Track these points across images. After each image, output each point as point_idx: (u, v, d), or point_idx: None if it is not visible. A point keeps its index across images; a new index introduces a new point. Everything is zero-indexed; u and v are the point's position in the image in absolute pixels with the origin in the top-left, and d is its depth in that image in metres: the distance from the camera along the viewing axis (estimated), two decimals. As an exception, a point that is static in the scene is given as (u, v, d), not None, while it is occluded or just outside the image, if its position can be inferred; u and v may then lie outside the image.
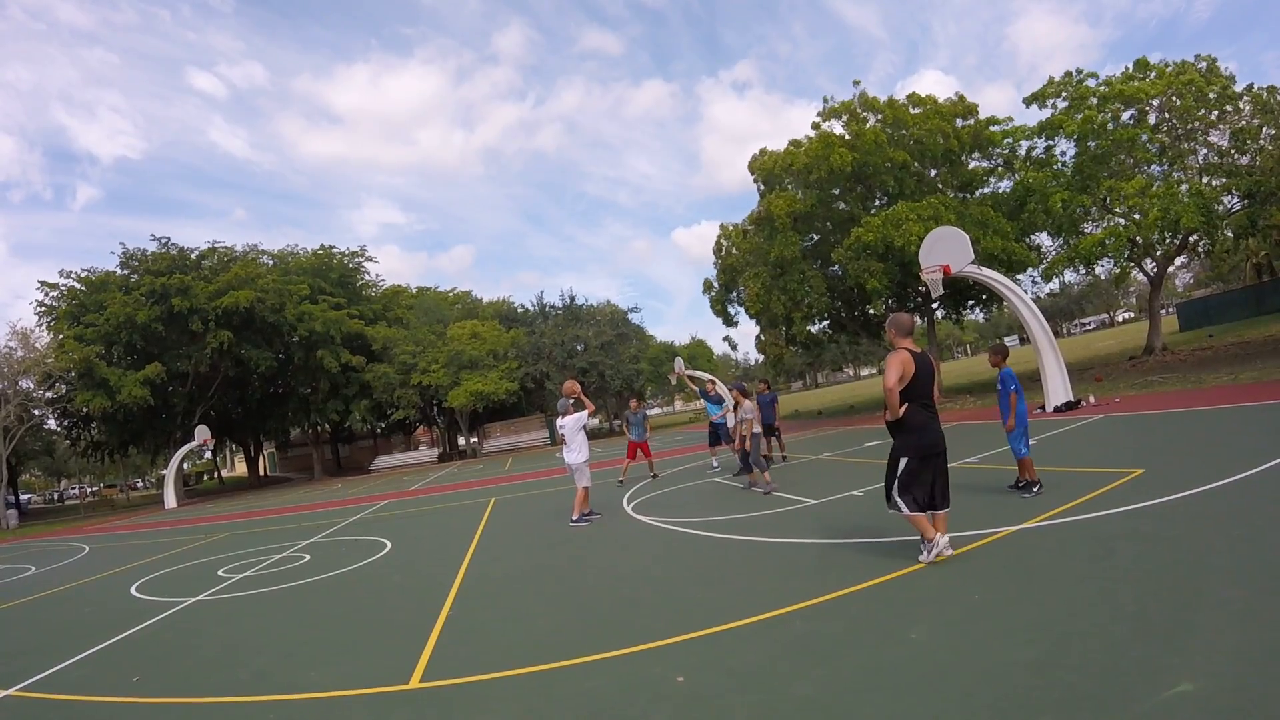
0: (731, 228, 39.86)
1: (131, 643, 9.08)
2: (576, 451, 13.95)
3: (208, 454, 66.25)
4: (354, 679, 6.41)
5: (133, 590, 13.23)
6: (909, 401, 7.26)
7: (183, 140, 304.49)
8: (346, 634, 8.25)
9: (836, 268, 35.05)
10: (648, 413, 18.72)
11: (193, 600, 11.33)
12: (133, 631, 9.63)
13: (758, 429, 14.69)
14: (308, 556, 14.64)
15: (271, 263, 63.54)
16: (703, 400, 21.25)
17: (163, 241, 57.50)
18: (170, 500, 47.86)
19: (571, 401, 14.15)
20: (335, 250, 68.09)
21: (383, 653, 7.20)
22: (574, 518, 13.88)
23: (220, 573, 13.88)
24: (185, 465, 66.44)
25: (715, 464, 19.81)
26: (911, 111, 33.29)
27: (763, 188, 36.61)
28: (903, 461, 7.29)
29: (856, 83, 34.81)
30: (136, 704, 6.59)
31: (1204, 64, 32.40)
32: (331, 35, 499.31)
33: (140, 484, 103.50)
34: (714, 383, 22.13)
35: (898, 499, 7.30)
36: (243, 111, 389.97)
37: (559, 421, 14.47)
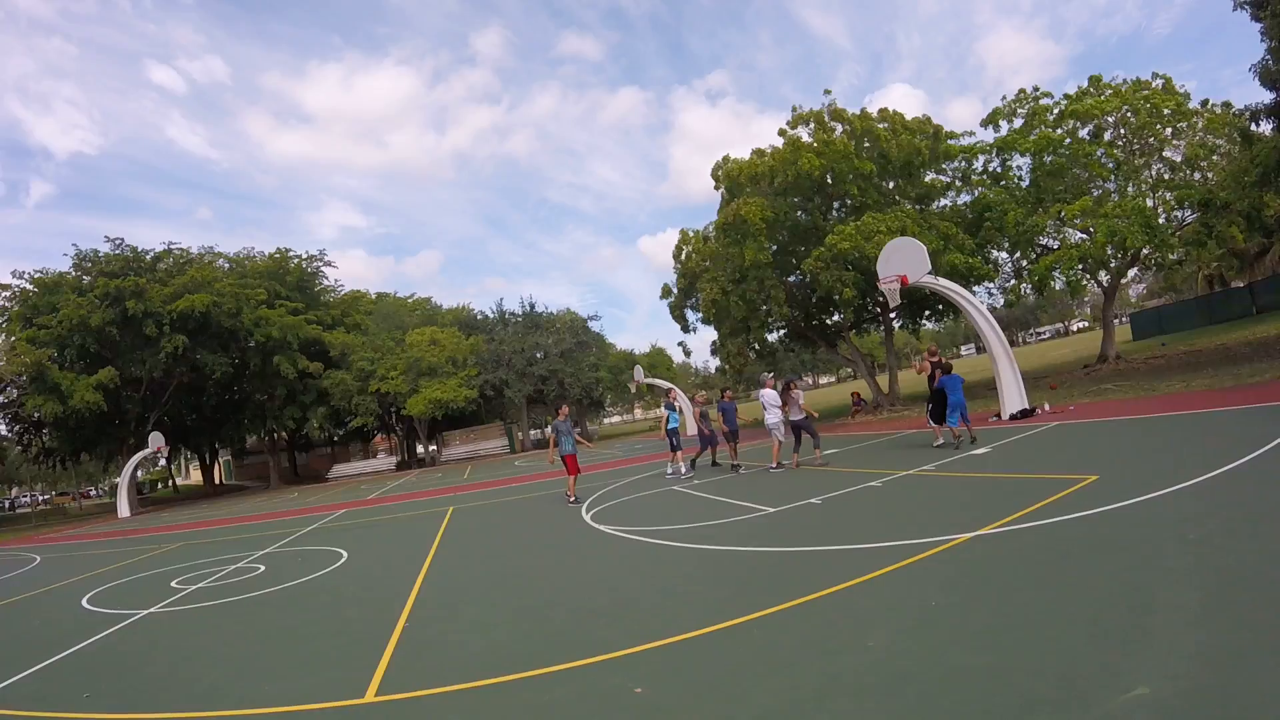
0: (693, 233, 39.87)
1: (83, 656, 8.93)
2: (774, 416, 18.07)
3: (162, 461, 65.40)
4: (309, 693, 6.32)
5: (84, 602, 13.01)
6: None
7: (140, 136, 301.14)
8: (302, 647, 8.17)
9: (794, 277, 35.25)
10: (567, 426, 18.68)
11: (146, 612, 11.15)
12: (84, 645, 9.47)
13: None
14: (263, 567, 14.48)
15: (228, 266, 62.72)
16: (664, 410, 21.42)
17: (116, 242, 56.55)
18: (123, 509, 47.10)
19: (769, 375, 19.94)
20: (293, 254, 67.39)
21: (338, 666, 7.12)
22: (773, 465, 18.02)
23: (174, 584, 13.68)
24: (139, 473, 65.43)
25: (670, 471, 19.97)
26: (879, 126, 33.56)
27: (726, 195, 36.69)
28: None
29: (827, 92, 35.50)
30: None
31: (1160, 81, 32.96)
32: (303, 32, 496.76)
33: (93, 492, 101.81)
34: (673, 391, 22.27)
35: None
36: (204, 108, 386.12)
37: (761, 392, 18.88)
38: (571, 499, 17.70)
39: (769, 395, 18.43)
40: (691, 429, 20.22)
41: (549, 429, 18.59)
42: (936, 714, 4.28)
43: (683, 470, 19.93)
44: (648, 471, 22.66)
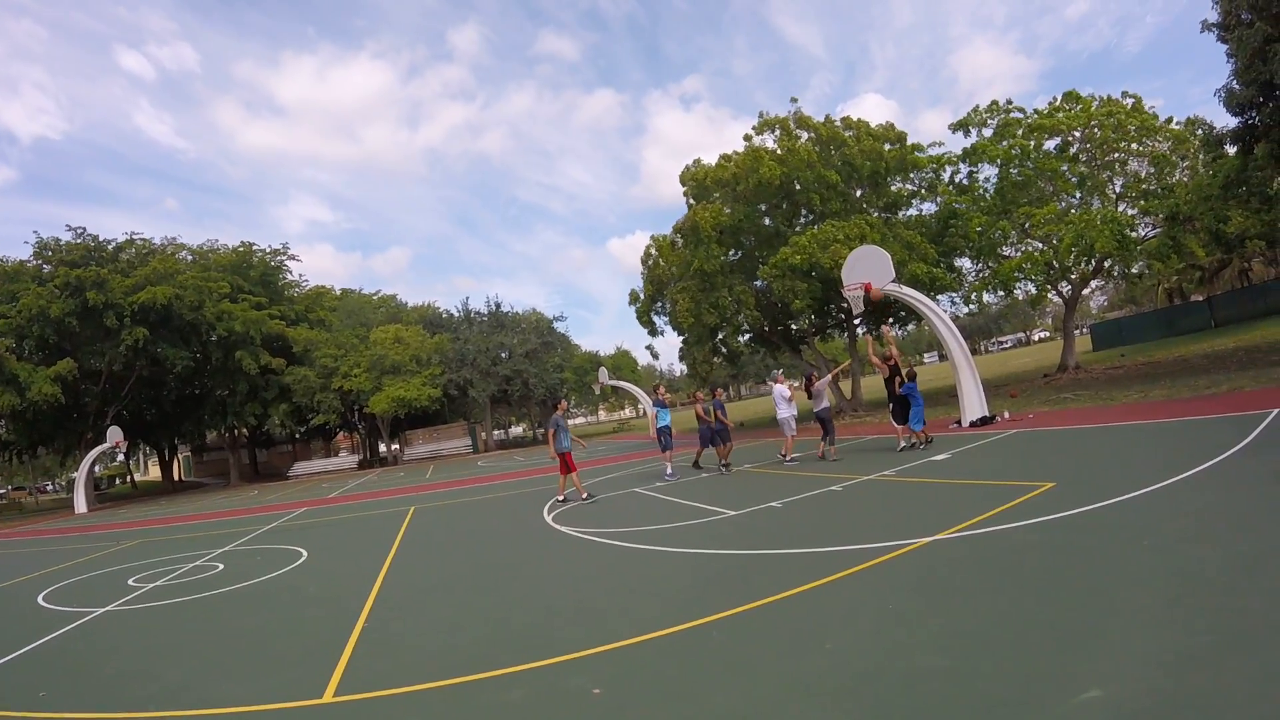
0: (662, 239, 40.04)
1: (38, 655, 8.80)
2: (785, 410, 18.52)
3: (120, 457, 64.56)
4: (267, 693, 6.29)
5: (40, 599, 12.80)
6: None
7: (107, 123, 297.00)
8: (260, 646, 8.11)
9: (760, 282, 35.41)
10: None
11: (102, 611, 11.01)
12: (40, 643, 9.33)
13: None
14: (221, 566, 14.34)
15: (191, 258, 61.82)
16: (653, 408, 20.82)
17: (78, 231, 55.37)
18: (80, 505, 46.46)
19: (781, 371, 21.36)
20: (257, 248, 66.51)
21: (297, 666, 7.09)
22: (788, 457, 18.19)
23: (131, 582, 13.51)
24: (97, 468, 64.58)
25: (670, 473, 18.95)
26: (845, 134, 33.82)
27: (692, 201, 36.85)
28: None
29: (794, 100, 35.45)
30: (43, 719, 6.42)
31: (1131, 100, 33.49)
32: (278, 23, 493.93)
33: (50, 487, 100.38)
34: (660, 387, 21.90)
35: None
36: (173, 96, 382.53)
37: (774, 387, 19.66)
38: (568, 496, 17.20)
39: (781, 391, 19.03)
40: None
41: (550, 423, 17.98)
42: (894, 715, 4.34)
43: (667, 471, 19.10)
44: (611, 473, 22.69)
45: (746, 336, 41.76)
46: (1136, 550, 6.75)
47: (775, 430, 18.50)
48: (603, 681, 5.53)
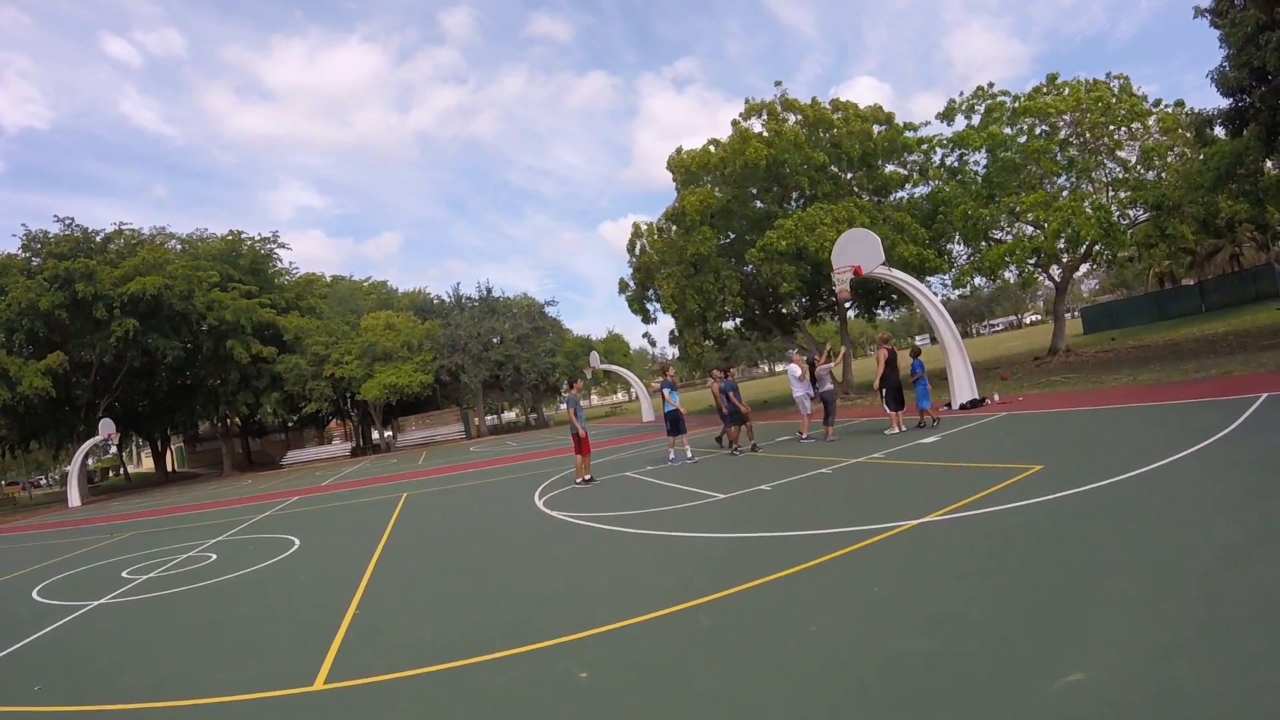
0: (645, 226, 40.12)
1: (33, 649, 8.84)
2: (799, 389, 19.29)
3: (113, 449, 64.38)
4: (259, 681, 6.35)
5: (34, 594, 12.82)
6: None
7: (94, 110, 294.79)
8: (252, 635, 8.17)
9: (749, 267, 35.45)
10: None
11: (97, 603, 11.05)
12: (35, 637, 9.37)
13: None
14: (215, 556, 14.38)
15: (180, 247, 61.32)
16: (664, 389, 19.96)
17: (66, 222, 54.79)
18: (74, 498, 46.21)
19: (795, 351, 22.49)
20: (246, 236, 66.03)
21: (288, 654, 7.15)
22: (803, 436, 19.03)
23: (125, 574, 13.54)
24: (90, 461, 64.40)
25: (673, 457, 18.61)
26: (832, 116, 33.81)
27: (680, 187, 36.84)
28: None
29: (778, 83, 35.48)
30: (38, 713, 6.44)
31: (1117, 82, 33.44)
32: (265, 6, 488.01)
33: (44, 481, 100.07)
34: (670, 369, 21.50)
35: None
36: (160, 83, 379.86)
37: (789, 367, 20.42)
38: (588, 477, 16.98)
39: (793, 370, 19.70)
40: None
41: (563, 404, 17.77)
42: (876, 698, 4.40)
43: (688, 454, 18.65)
44: (603, 457, 22.69)
45: (738, 320, 41.81)
46: (1122, 534, 6.80)
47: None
48: (591, 665, 5.60)
